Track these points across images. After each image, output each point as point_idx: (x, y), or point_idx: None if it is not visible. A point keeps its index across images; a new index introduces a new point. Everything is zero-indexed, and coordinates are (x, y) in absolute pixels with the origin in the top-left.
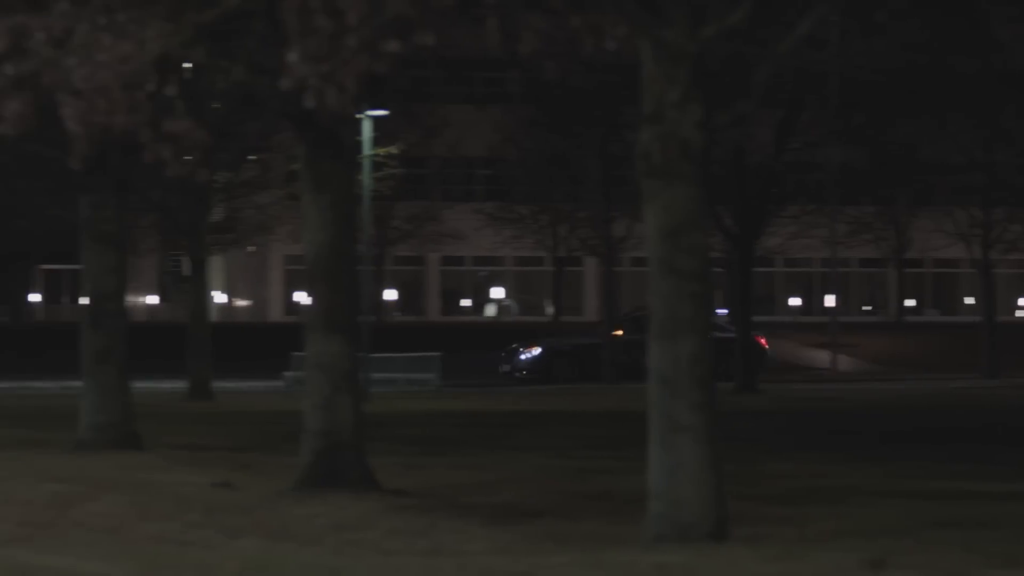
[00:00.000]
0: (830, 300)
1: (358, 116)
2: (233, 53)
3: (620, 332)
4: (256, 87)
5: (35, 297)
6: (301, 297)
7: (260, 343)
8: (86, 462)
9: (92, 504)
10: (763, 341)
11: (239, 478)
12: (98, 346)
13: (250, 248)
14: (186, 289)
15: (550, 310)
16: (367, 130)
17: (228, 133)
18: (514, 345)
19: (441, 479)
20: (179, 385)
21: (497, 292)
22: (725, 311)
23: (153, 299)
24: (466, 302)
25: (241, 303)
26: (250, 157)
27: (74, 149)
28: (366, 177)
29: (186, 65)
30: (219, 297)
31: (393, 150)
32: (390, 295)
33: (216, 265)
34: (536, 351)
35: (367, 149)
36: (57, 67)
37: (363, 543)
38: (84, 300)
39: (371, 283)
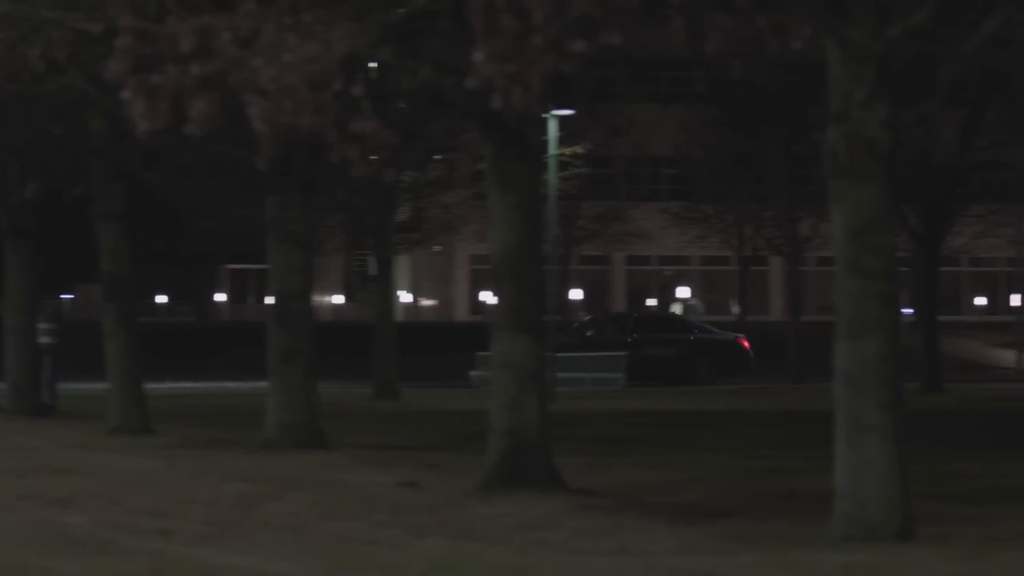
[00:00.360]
0: (1015, 300)
1: (544, 116)
2: (419, 53)
3: (590, 335)
4: (442, 87)
5: (221, 297)
6: (487, 297)
7: (445, 343)
8: (272, 461)
9: (277, 504)
10: (745, 343)
11: (425, 477)
12: (284, 346)
13: (436, 248)
14: (372, 289)
15: (736, 309)
16: (553, 130)
17: (414, 133)
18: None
19: (626, 478)
20: (365, 385)
21: (683, 292)
22: (910, 311)
23: (339, 299)
24: (652, 301)
25: (427, 303)
26: (436, 157)
27: (261, 149)
28: (552, 177)
29: (372, 65)
30: (405, 297)
31: (579, 150)
32: (576, 295)
33: (402, 264)
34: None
35: (553, 149)
36: (243, 67)
37: (549, 543)
38: (270, 300)
39: (557, 283)
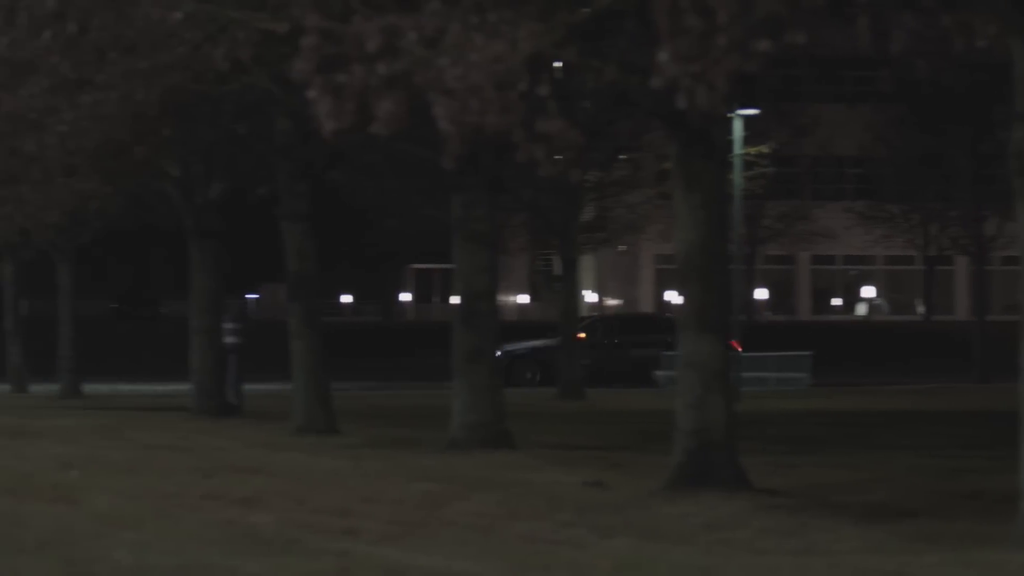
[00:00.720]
0: None
1: (729, 115)
2: (604, 53)
3: (583, 336)
4: (627, 87)
5: (406, 296)
6: (671, 296)
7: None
8: (457, 461)
9: (463, 503)
10: (735, 344)
11: (610, 477)
12: (469, 345)
13: (621, 247)
14: (557, 288)
15: (921, 309)
16: (738, 129)
17: (599, 133)
18: None
19: (811, 478)
20: (550, 384)
21: (868, 291)
22: None
23: (524, 298)
24: (837, 301)
25: (612, 302)
26: (621, 156)
27: (447, 149)
28: (737, 176)
29: (557, 65)
30: (590, 296)
31: (764, 149)
32: (761, 294)
33: (587, 264)
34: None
35: (738, 148)
36: (429, 67)
37: (734, 542)
38: (455, 299)
39: (742, 282)
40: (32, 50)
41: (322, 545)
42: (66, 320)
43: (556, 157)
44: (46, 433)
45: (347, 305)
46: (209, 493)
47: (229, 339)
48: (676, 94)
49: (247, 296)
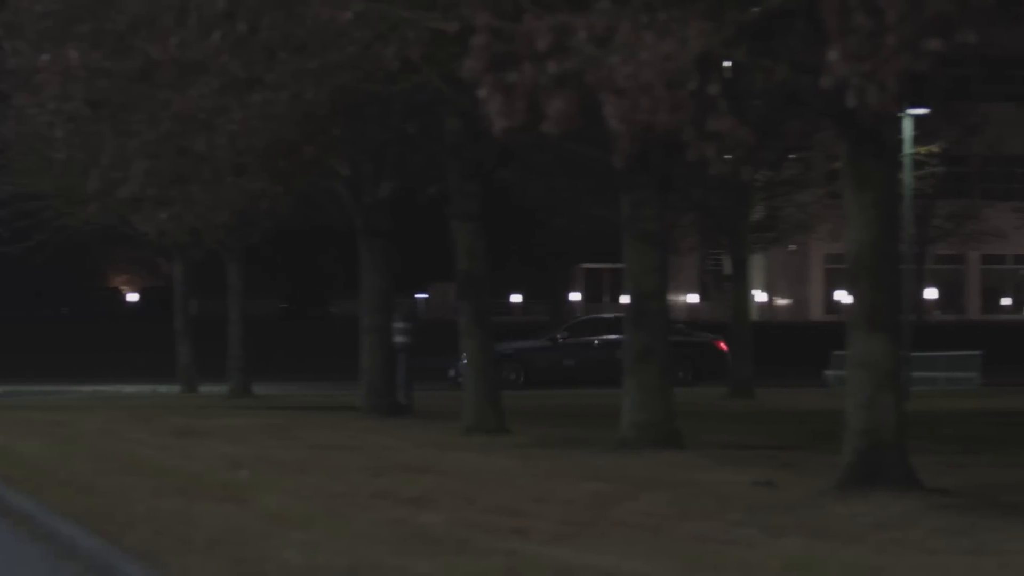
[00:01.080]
0: None
1: (899, 114)
2: (774, 52)
3: (563, 336)
4: (797, 86)
5: (575, 296)
6: (841, 296)
7: (800, 342)
8: (627, 461)
9: (633, 503)
10: (722, 345)
11: (780, 477)
12: (639, 345)
13: (791, 247)
14: (727, 288)
15: None
16: (908, 128)
17: (769, 132)
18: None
19: (981, 478)
20: (720, 383)
21: None
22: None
23: (693, 298)
24: (1007, 301)
25: (781, 302)
26: (791, 156)
27: (617, 148)
28: (907, 176)
29: (727, 64)
30: (759, 296)
31: (934, 148)
32: (930, 294)
33: (756, 264)
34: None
35: (908, 148)
36: (600, 65)
37: (905, 542)
38: (625, 299)
39: (912, 282)
40: (202, 50)
41: (491, 545)
42: (236, 320)
43: (726, 156)
44: (215, 433)
45: (516, 304)
46: (379, 492)
47: (399, 338)
48: (846, 93)
49: (417, 295)
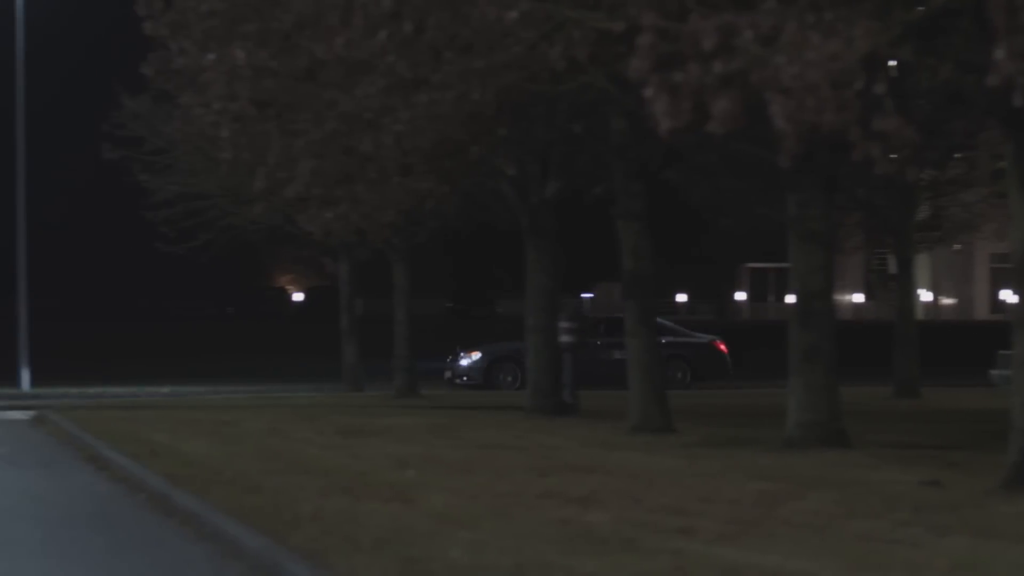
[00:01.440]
0: None
1: None
2: (940, 51)
3: None
4: (962, 85)
5: (740, 295)
6: (1007, 295)
7: (965, 341)
8: (793, 460)
9: (798, 502)
10: (722, 346)
11: (946, 476)
12: (805, 344)
13: (955, 246)
14: (892, 287)
15: None
16: None
17: (934, 131)
18: (457, 349)
19: None
20: (886, 383)
21: None
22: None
23: (858, 297)
24: None
25: (946, 301)
26: (956, 155)
27: (783, 148)
28: None
29: (892, 63)
30: (924, 295)
31: None
32: None
33: (921, 263)
34: (476, 356)
35: None
36: (766, 65)
37: None
38: (790, 298)
39: None
40: (368, 50)
41: (657, 544)
42: (401, 320)
43: (892, 156)
44: (381, 432)
45: (682, 304)
46: (545, 492)
47: (565, 338)
48: (1012, 92)
49: (582, 295)
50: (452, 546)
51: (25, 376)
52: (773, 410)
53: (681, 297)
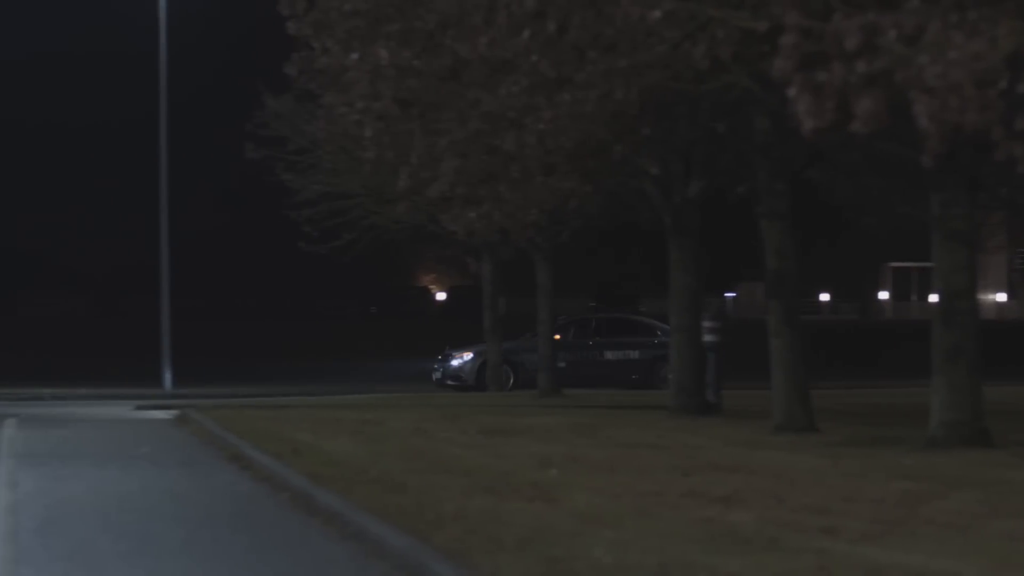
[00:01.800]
0: None
1: None
2: None
3: (558, 337)
4: None
5: (883, 294)
6: None
7: None
8: (936, 460)
9: (942, 502)
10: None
11: None
12: (949, 344)
13: None
14: None
15: None
16: None
17: None
18: (447, 350)
19: None
20: None
21: None
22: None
23: (1001, 297)
24: None
25: None
26: None
27: (927, 147)
28: None
29: None
30: None
31: None
32: None
33: None
34: (468, 356)
35: None
36: (909, 65)
37: None
38: (933, 298)
39: None
40: (511, 49)
41: (801, 543)
42: (544, 319)
43: None
44: (524, 432)
45: (825, 303)
46: (688, 491)
47: (708, 338)
48: None
49: (725, 295)
50: (595, 545)
51: (167, 376)
52: (916, 409)
53: (824, 296)
